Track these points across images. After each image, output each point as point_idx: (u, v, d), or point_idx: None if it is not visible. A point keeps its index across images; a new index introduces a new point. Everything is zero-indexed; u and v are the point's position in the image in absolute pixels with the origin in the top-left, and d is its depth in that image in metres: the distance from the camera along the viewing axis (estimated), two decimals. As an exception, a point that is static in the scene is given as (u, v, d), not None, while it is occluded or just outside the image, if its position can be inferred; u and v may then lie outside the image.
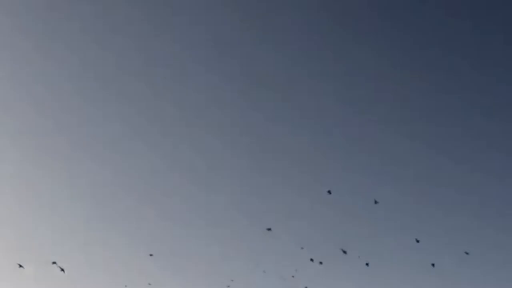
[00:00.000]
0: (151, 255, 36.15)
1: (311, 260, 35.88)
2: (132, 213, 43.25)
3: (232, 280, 39.23)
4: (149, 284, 37.72)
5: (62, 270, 29.56)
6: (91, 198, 42.79)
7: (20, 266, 28.06)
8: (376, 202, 34.65)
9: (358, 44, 48.33)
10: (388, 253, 42.55)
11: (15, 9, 42.85)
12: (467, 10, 47.41)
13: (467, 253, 38.15)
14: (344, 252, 35.87)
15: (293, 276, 38.88)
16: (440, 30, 47.60)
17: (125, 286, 37.83)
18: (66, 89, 45.32)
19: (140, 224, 41.80)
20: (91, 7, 44.63)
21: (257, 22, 47.28)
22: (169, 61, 47.27)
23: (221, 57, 47.14)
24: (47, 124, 44.81)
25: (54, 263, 28.35)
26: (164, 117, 47.06)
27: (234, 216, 44.36)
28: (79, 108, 45.51)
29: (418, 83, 48.80)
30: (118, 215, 43.07)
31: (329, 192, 34.39)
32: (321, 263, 36.27)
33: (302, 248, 39.34)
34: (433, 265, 36.97)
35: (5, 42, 43.55)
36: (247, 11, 46.96)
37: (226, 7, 46.71)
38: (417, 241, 35.69)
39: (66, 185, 43.32)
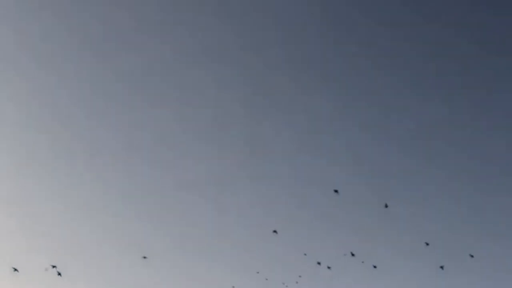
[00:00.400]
0: (144, 257, 34.99)
1: (318, 263, 34.76)
2: (129, 223, 41.90)
3: (233, 287, 37.87)
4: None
5: (59, 274, 27.89)
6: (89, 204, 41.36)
7: (15, 269, 26.31)
8: (386, 206, 33.87)
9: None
10: (396, 255, 41.67)
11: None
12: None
13: (472, 256, 37.48)
14: (353, 254, 34.82)
15: (297, 282, 37.66)
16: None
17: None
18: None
19: (142, 236, 40.56)
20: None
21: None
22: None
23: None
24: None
25: (54, 267, 26.74)
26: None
27: (234, 222, 43.13)
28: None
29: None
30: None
31: (336, 191, 33.46)
32: (329, 267, 35.14)
33: (305, 254, 38.26)
34: (442, 267, 36.14)
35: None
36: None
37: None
38: (427, 244, 34.91)
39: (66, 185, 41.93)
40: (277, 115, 46.90)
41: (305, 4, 46.06)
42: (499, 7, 46.52)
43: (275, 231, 34.09)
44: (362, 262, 37.50)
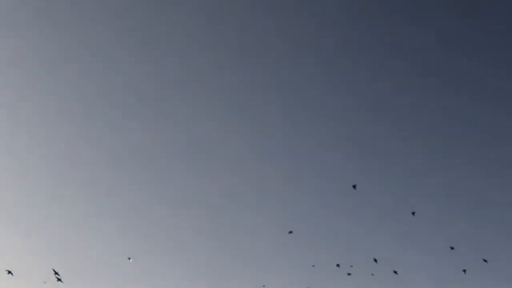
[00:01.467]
0: (129, 258, 33.22)
1: (337, 265, 32.68)
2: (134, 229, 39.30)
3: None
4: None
5: (59, 279, 24.63)
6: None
7: (9, 272, 22.97)
8: (413, 213, 32.61)
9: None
10: (418, 261, 39.84)
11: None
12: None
13: (485, 261, 36.38)
14: (375, 260, 32.81)
15: (308, 294, 35.29)
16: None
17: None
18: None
19: (143, 240, 38.10)
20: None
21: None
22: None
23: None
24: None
25: (56, 273, 23.63)
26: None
27: (235, 231, 40.70)
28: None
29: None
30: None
31: (354, 186, 31.77)
32: (349, 274, 32.98)
33: (313, 266, 36.17)
34: (464, 271, 34.67)
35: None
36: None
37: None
38: (452, 248, 33.59)
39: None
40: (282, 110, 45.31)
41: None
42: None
43: (290, 232, 32.02)
44: (372, 274, 35.43)
